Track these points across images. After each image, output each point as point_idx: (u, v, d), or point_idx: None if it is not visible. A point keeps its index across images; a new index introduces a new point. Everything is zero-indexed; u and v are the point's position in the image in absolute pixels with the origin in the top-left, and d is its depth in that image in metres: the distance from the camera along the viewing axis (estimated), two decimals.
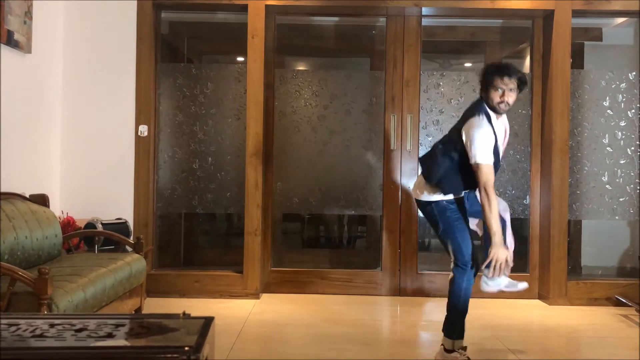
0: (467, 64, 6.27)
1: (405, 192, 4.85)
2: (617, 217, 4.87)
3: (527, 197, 4.90)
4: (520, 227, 5.18)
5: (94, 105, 4.72)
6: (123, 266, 3.52)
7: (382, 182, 4.90)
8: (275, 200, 4.94)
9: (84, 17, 4.71)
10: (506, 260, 3.01)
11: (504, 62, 3.32)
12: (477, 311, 4.01)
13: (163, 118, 4.87)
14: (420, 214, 3.70)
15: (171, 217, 5.34)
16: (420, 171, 3.53)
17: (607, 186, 4.83)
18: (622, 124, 4.83)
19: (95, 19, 4.71)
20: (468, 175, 3.10)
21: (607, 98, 4.84)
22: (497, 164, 3.11)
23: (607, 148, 4.84)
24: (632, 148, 4.82)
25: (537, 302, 4.75)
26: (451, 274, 3.20)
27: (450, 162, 3.15)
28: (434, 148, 3.30)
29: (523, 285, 3.30)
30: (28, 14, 4.06)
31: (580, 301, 4.65)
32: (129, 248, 4.06)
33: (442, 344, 3.23)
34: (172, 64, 5.00)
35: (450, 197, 3.17)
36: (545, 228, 4.75)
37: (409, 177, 4.84)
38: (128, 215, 4.63)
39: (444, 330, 3.23)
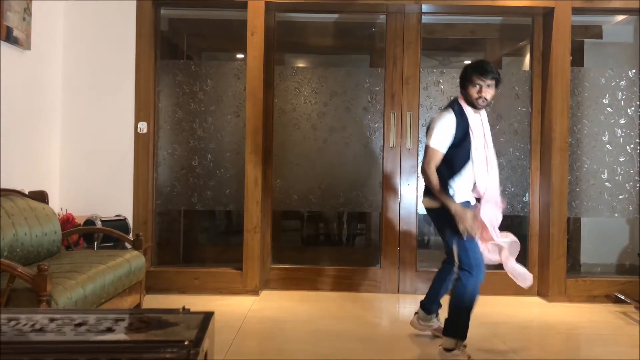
0: (467, 62, 6.25)
1: (405, 190, 4.85)
2: (616, 215, 4.87)
3: (527, 194, 4.90)
4: (519, 224, 5.18)
5: (93, 102, 4.72)
6: (122, 263, 3.52)
7: (382, 179, 4.90)
8: (274, 198, 4.94)
9: (83, 14, 4.70)
10: (475, 220, 3.15)
11: (482, 60, 3.42)
12: (476, 309, 3.99)
13: (162, 115, 4.87)
14: (422, 213, 3.73)
15: (170, 214, 5.34)
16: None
17: (606, 184, 4.83)
18: (622, 121, 4.83)
19: (95, 15, 4.71)
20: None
21: (607, 96, 4.84)
22: (466, 156, 3.23)
23: (607, 146, 4.84)
24: (632, 146, 4.82)
25: (537, 299, 4.75)
26: (455, 275, 3.25)
27: (441, 169, 3.26)
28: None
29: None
30: (27, 10, 4.05)
31: (580, 298, 4.65)
32: (128, 245, 4.06)
33: (440, 345, 3.24)
34: (171, 61, 4.99)
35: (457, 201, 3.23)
36: (544, 225, 4.75)
37: (408, 174, 4.84)
38: (127, 212, 4.62)
39: (444, 330, 3.25)
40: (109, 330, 1.28)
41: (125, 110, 4.71)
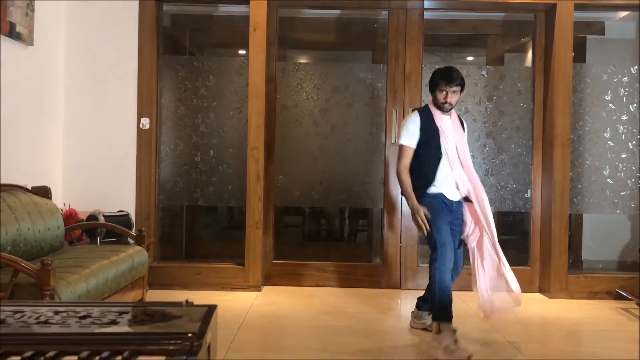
0: (469, 58, 6.27)
1: None
2: (618, 211, 4.88)
3: (529, 191, 4.90)
4: (521, 221, 5.19)
5: (96, 97, 4.73)
6: (125, 258, 3.53)
7: (383, 175, 4.91)
8: (276, 194, 4.95)
9: (86, 9, 4.71)
10: (425, 215, 3.41)
11: (449, 67, 3.60)
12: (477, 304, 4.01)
13: (165, 111, 4.88)
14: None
15: (173, 210, 5.36)
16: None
17: (608, 180, 4.84)
18: (624, 118, 4.83)
19: (97, 11, 4.71)
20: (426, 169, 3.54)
21: (609, 92, 4.84)
22: (438, 154, 3.49)
23: (609, 142, 4.84)
24: (634, 142, 4.83)
25: (538, 295, 4.76)
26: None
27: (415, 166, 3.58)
28: None
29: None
30: (30, 5, 4.06)
31: (581, 295, 4.66)
32: (131, 240, 4.08)
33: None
34: (174, 57, 5.00)
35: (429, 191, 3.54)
36: (546, 222, 4.76)
37: None
38: (130, 208, 4.64)
39: (432, 316, 3.49)
40: (113, 322, 1.29)
41: (128, 106, 4.72)
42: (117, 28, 4.72)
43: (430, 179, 3.51)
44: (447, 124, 3.55)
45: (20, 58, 4.03)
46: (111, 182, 4.72)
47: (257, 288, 4.66)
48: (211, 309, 1.41)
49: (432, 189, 3.52)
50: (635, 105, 4.83)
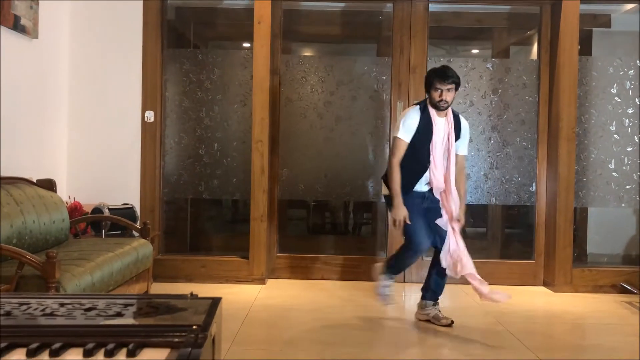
0: (474, 51, 6.25)
1: None
2: (623, 205, 4.86)
3: (534, 184, 4.89)
4: (526, 214, 5.18)
5: (100, 90, 4.73)
6: (130, 251, 3.54)
7: None
8: (281, 187, 4.95)
9: (90, 2, 4.71)
10: (404, 219, 3.50)
11: (444, 66, 3.65)
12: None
13: (169, 104, 4.88)
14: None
15: (177, 203, 5.37)
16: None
17: (613, 174, 4.82)
18: (630, 111, 4.81)
19: (102, 4, 4.71)
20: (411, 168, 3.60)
21: (615, 85, 4.81)
22: (427, 156, 3.53)
23: (614, 135, 4.82)
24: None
25: (542, 289, 4.76)
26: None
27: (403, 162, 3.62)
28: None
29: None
30: None
31: (585, 288, 4.66)
32: (135, 233, 4.09)
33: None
34: (178, 50, 5.00)
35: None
36: (551, 215, 4.75)
37: None
38: (135, 201, 4.65)
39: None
40: (118, 314, 1.29)
41: (133, 99, 4.72)
42: (122, 21, 4.72)
43: (415, 178, 3.58)
44: (441, 126, 3.58)
45: (24, 51, 4.04)
46: (116, 175, 4.73)
47: (262, 281, 4.67)
48: (216, 301, 1.41)
49: (415, 187, 3.61)
50: None
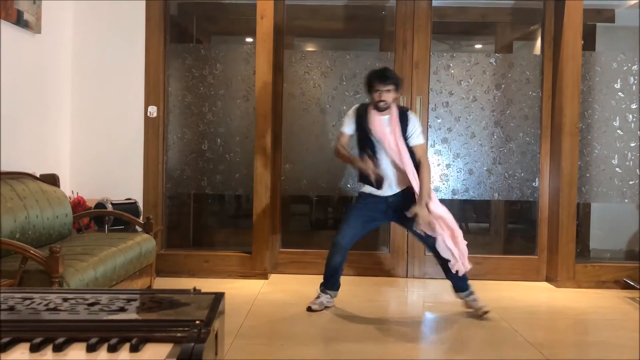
0: (478, 46, 6.23)
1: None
2: (626, 201, 4.85)
3: (537, 179, 4.88)
4: (529, 209, 5.17)
5: (103, 85, 4.73)
6: (133, 246, 3.55)
7: None
8: (283, 182, 4.95)
9: None
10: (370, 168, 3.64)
11: (383, 67, 3.78)
12: (484, 293, 4.02)
13: (172, 99, 4.88)
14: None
15: (180, 198, 5.37)
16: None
17: (616, 169, 4.81)
18: (633, 106, 4.80)
19: None
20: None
21: (619, 80, 4.80)
22: (373, 150, 3.70)
23: (618, 131, 4.80)
24: None
25: (545, 284, 4.76)
26: None
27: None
28: None
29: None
30: None
31: (588, 284, 4.65)
32: (138, 228, 4.10)
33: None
34: (181, 45, 4.99)
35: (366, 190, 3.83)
36: (554, 211, 4.74)
37: None
38: (138, 196, 4.66)
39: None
40: (122, 309, 1.29)
41: (135, 94, 4.72)
42: (125, 16, 4.71)
43: (364, 176, 3.73)
44: (383, 124, 3.68)
45: (27, 46, 4.04)
46: (119, 170, 4.73)
47: (264, 276, 4.67)
48: (219, 296, 1.41)
49: (365, 189, 3.80)
50: None
